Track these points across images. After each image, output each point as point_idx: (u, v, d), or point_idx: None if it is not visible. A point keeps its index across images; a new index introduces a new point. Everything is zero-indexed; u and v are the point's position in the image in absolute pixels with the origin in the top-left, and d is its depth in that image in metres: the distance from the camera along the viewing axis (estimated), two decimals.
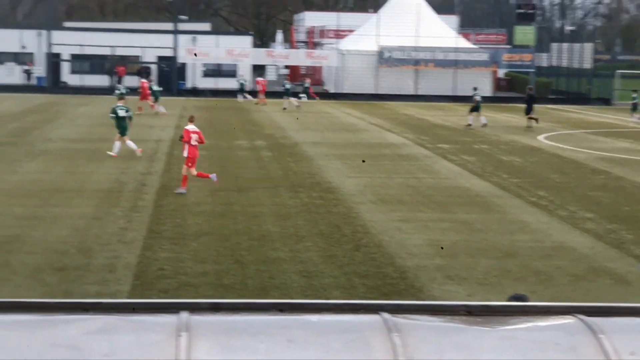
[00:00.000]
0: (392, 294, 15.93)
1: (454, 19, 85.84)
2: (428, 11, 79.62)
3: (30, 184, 26.67)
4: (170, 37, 74.81)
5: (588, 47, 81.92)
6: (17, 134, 39.62)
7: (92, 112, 53.40)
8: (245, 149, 36.99)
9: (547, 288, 16.70)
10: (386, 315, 5.57)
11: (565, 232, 21.88)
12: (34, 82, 74.80)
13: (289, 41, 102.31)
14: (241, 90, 67.36)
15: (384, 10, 79.21)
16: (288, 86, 61.66)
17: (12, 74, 74.81)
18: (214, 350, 5.13)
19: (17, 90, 69.76)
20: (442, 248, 22.37)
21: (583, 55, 79.68)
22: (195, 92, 73.61)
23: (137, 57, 77.58)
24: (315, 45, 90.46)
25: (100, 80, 75.74)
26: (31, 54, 77.99)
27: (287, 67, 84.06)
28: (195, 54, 74.35)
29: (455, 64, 74.60)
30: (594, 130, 50.26)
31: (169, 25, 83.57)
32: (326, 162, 33.39)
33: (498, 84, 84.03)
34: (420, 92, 74.28)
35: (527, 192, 27.56)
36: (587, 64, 79.56)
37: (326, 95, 74.96)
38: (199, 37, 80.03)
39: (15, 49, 77.05)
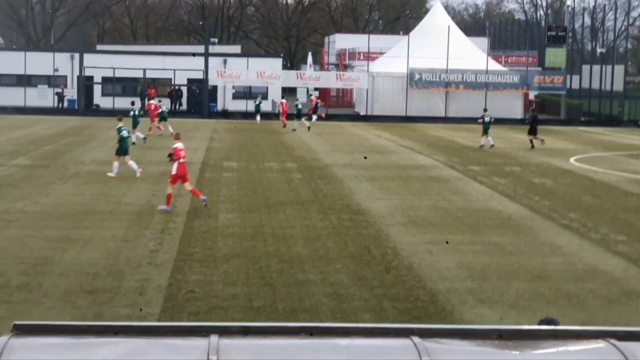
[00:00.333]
0: (423, 317, 15.87)
1: (484, 41, 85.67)
2: (458, 33, 79.61)
3: (63, 206, 26.81)
4: (200, 59, 75.14)
5: (619, 69, 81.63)
6: (50, 157, 39.85)
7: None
8: (276, 170, 37.04)
9: (579, 311, 16.57)
10: (417, 339, 5.56)
11: (597, 254, 21.73)
12: (66, 105, 75.28)
13: (320, 63, 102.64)
14: (257, 111, 67.58)
15: (415, 32, 79.29)
16: (300, 107, 61.76)
17: (45, 96, 75.37)
18: None
19: (49, 113, 70.30)
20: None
21: (614, 77, 79.35)
22: (226, 114, 73.84)
23: (169, 79, 77.98)
24: (345, 67, 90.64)
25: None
26: (64, 77, 78.59)
27: (317, 89, 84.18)
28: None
29: (486, 86, 74.46)
30: (625, 153, 49.97)
31: (199, 48, 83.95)
32: (356, 183, 33.36)
33: (529, 106, 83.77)
34: (450, 114, 74.18)
35: (559, 214, 27.42)
36: (619, 86, 79.23)
37: (356, 117, 75.05)
38: (230, 59, 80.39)
39: (48, 72, 77.66)
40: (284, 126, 62.11)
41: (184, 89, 78.61)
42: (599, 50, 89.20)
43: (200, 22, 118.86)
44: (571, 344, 5.74)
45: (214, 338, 5.46)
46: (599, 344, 5.71)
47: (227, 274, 18.66)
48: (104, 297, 16.66)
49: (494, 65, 77.56)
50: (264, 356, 5.45)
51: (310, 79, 77.76)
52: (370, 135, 57.99)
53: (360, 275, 18.80)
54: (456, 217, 26.39)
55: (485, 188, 33.18)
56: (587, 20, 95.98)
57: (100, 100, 76.92)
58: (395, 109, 74.05)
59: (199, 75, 74.84)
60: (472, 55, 76.34)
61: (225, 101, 78.40)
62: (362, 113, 76.39)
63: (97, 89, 77.92)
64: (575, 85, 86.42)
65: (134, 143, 46.13)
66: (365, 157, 40.33)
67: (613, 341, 5.66)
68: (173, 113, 74.71)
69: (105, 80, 77.24)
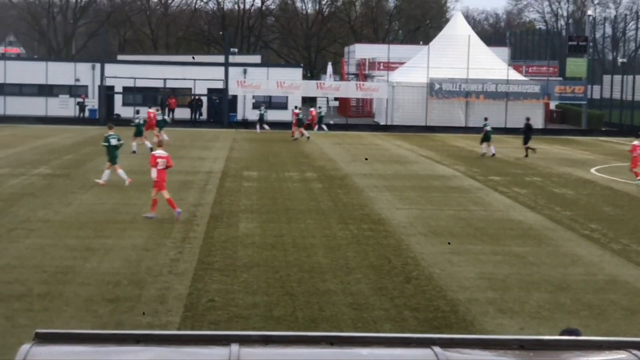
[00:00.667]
0: (444, 327, 15.84)
1: (505, 51, 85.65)
2: (479, 43, 79.48)
3: (84, 215, 26.90)
4: (221, 69, 75.32)
5: None
6: (71, 166, 40.03)
7: (144, 144, 53.77)
8: (296, 180, 37.05)
9: (600, 322, 16.51)
10: (438, 349, 5.55)
11: (618, 265, 21.64)
12: (87, 114, 75.56)
13: (339, 73, 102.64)
14: (260, 120, 67.75)
15: (435, 42, 79.23)
16: (301, 116, 61.81)
17: (66, 106, 75.68)
18: None
19: (70, 123, 70.61)
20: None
21: (635, 87, 79.05)
22: (246, 124, 73.97)
23: (189, 89, 78.19)
24: (365, 77, 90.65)
25: None
26: (85, 86, 78.93)
27: (337, 99, 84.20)
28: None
29: (506, 96, 74.31)
30: None
31: (220, 58, 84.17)
32: (376, 193, 33.34)
33: (550, 116, 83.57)
34: (470, 124, 73.99)
35: (580, 225, 27.32)
36: None
37: (376, 127, 75.05)
38: (250, 69, 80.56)
39: (70, 81, 78.01)
40: (294, 135, 62.37)
41: (204, 99, 78.79)
42: (620, 60, 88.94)
43: (221, 32, 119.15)
44: (593, 355, 5.72)
45: (234, 347, 5.47)
46: (621, 355, 5.69)
47: (247, 283, 18.67)
48: (125, 306, 16.70)
49: (514, 75, 77.40)
50: None
51: (330, 88, 77.82)
52: (390, 145, 57.96)
53: (380, 285, 18.78)
54: (477, 228, 26.34)
55: (506, 198, 33.10)
56: (608, 30, 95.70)
57: (121, 110, 77.17)
58: (415, 119, 74.00)
59: (219, 85, 75.00)
60: (492, 65, 76.21)
61: (245, 111, 78.50)
62: (382, 123, 76.36)
63: (118, 99, 78.21)
64: (596, 95, 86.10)
65: (134, 152, 46.40)
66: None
67: (635, 352, 5.64)
68: (193, 123, 75.03)
69: (126, 89, 77.52)
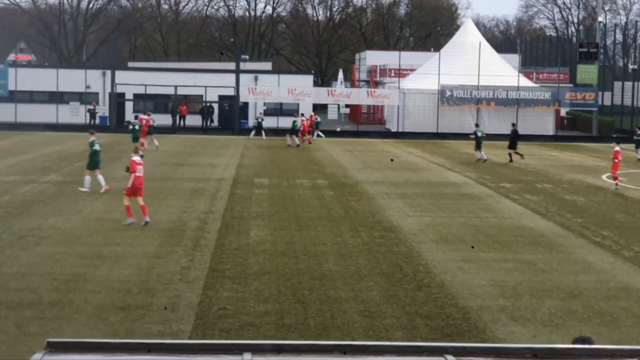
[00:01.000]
0: (455, 335, 15.81)
1: (515, 58, 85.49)
2: (489, 50, 79.47)
3: (94, 222, 26.92)
4: (232, 76, 75.39)
5: None
6: (82, 173, 39.88)
7: (155, 151, 53.91)
8: (307, 187, 37.05)
9: (612, 330, 16.45)
10: (451, 357, 5.53)
11: (630, 272, 21.58)
12: (98, 121, 75.68)
13: (350, 80, 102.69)
14: (258, 127, 67.91)
15: (445, 49, 79.21)
16: (296, 123, 61.91)
17: (77, 113, 75.80)
18: None
19: (81, 130, 70.63)
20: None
21: None
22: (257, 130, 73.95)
23: (200, 96, 78.28)
24: (376, 84, 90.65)
25: (163, 119, 76.47)
26: (96, 93, 79.07)
27: (347, 106, 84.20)
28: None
29: (517, 102, 74.23)
30: None
31: (231, 65, 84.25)
32: (387, 200, 33.32)
33: (561, 122, 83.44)
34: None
35: (591, 232, 27.26)
36: None
37: (387, 134, 75.03)
38: (261, 76, 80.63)
39: (80, 88, 78.14)
40: (301, 142, 62.61)
41: (215, 106, 78.88)
42: (631, 66, 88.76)
43: (232, 39, 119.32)
44: None
45: (247, 356, 5.46)
46: None
47: (258, 290, 18.66)
48: (136, 314, 16.70)
49: (525, 82, 77.32)
50: None
51: (341, 95, 77.84)
52: (401, 152, 57.93)
53: (392, 292, 18.76)
54: (488, 235, 26.29)
55: (517, 205, 33.04)
56: (619, 37, 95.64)
57: (131, 117, 77.17)
58: (426, 126, 73.96)
59: (231, 92, 75.08)
60: (503, 72, 76.16)
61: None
62: (393, 130, 76.34)
63: (129, 106, 78.29)
64: (607, 102, 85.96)
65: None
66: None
67: None
68: (204, 130, 75.11)
69: (137, 97, 77.63)
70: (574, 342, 8.47)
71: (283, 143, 62.58)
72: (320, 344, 5.71)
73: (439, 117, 73.76)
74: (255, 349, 5.58)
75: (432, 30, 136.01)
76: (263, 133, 67.62)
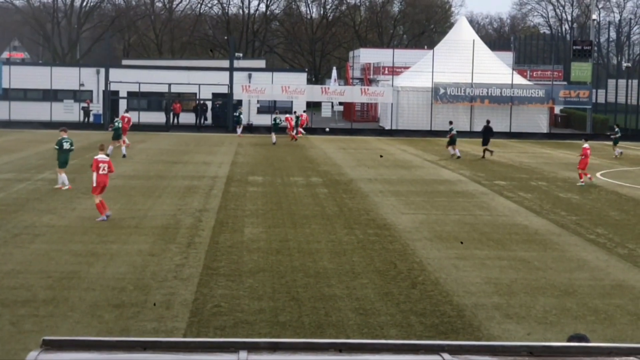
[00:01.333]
0: (450, 332, 15.81)
1: (509, 55, 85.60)
2: (483, 48, 79.50)
3: (89, 220, 26.89)
4: (225, 74, 75.36)
5: None
6: (76, 171, 39.96)
7: (148, 149, 53.91)
8: (301, 185, 37.04)
9: (606, 327, 16.47)
10: (447, 356, 5.52)
11: (624, 270, 21.60)
12: (92, 119, 75.60)
13: (344, 78, 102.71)
14: (238, 122, 67.99)
15: (439, 47, 79.25)
16: (278, 121, 62.02)
17: (70, 111, 75.64)
18: None
19: (75, 128, 70.51)
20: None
21: None
22: (251, 128, 74.01)
23: (194, 94, 78.25)
24: (370, 81, 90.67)
25: (157, 117, 76.48)
26: (90, 91, 79.00)
27: (341, 103, 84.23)
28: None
29: (511, 100, 74.28)
30: None
31: (224, 63, 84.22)
32: (381, 198, 33.32)
33: (555, 120, 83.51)
34: (475, 129, 73.95)
35: (586, 229, 27.29)
36: None
37: (381, 132, 75.08)
38: (254, 74, 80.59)
39: (74, 86, 78.07)
40: (294, 140, 62.84)
41: (209, 104, 78.84)
42: (624, 64, 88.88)
43: (225, 37, 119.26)
44: None
45: (242, 354, 5.44)
46: None
47: (253, 288, 18.65)
48: (130, 312, 16.68)
49: (519, 80, 77.41)
50: None
51: (334, 93, 77.80)
52: (395, 150, 57.96)
53: (386, 290, 18.76)
54: (482, 232, 26.31)
55: (512, 203, 33.06)
56: (613, 34, 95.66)
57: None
58: (420, 124, 74.02)
59: (224, 89, 75.06)
60: (497, 69, 76.22)
61: (250, 115, 78.56)
62: (387, 127, 76.39)
63: (123, 104, 78.18)
64: (601, 99, 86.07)
65: (124, 156, 46.52)
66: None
67: None
68: (198, 127, 75.07)
69: (131, 94, 77.57)
70: (569, 340, 8.48)
71: (277, 141, 62.59)
72: (316, 342, 5.70)
73: (433, 114, 73.81)
74: (251, 347, 5.57)
75: (426, 27, 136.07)
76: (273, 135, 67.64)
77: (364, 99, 79.94)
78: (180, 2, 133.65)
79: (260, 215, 28.76)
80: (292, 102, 77.41)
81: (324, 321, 16.32)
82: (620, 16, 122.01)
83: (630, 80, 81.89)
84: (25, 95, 78.78)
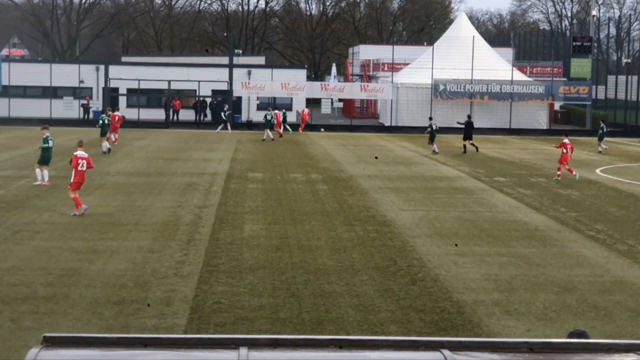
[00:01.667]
0: (450, 329, 15.82)
1: (509, 52, 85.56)
2: (483, 44, 79.47)
3: (89, 217, 26.89)
4: (225, 70, 75.35)
5: None
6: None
7: (148, 146, 53.91)
8: (301, 182, 37.05)
9: (606, 323, 16.48)
10: (447, 352, 5.53)
11: (624, 266, 21.61)
12: (91, 116, 75.59)
13: (344, 74, 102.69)
14: (224, 121, 68.07)
15: (439, 43, 79.23)
16: (269, 117, 62.03)
17: (70, 108, 75.62)
18: None
19: (75, 125, 70.64)
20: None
21: None
22: (250, 125, 74.02)
23: (193, 91, 78.26)
24: (370, 78, 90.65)
25: (157, 114, 76.51)
26: (89, 88, 78.99)
27: (341, 100, 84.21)
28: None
29: (511, 96, 74.29)
30: None
31: (224, 59, 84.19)
32: (381, 195, 33.33)
33: (555, 116, 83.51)
34: (475, 125, 73.84)
35: (585, 226, 27.30)
36: None
37: (381, 129, 75.07)
38: (254, 70, 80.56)
39: (74, 83, 78.06)
40: (280, 136, 63.16)
41: (208, 100, 78.86)
42: (624, 60, 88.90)
43: (225, 34, 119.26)
44: (602, 358, 5.70)
45: (243, 350, 5.45)
46: (630, 358, 5.67)
47: (253, 285, 18.66)
48: (131, 308, 16.69)
49: (519, 76, 77.38)
50: None
51: (334, 90, 77.76)
52: (395, 146, 57.97)
53: (386, 286, 18.77)
54: (482, 229, 26.32)
55: (511, 199, 33.07)
56: (613, 31, 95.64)
57: (125, 111, 77.06)
58: (420, 120, 73.96)
59: (224, 86, 75.06)
60: (496, 65, 76.17)
61: (250, 112, 78.56)
62: (387, 124, 76.38)
63: (123, 101, 78.22)
64: (601, 95, 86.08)
65: (104, 152, 46.57)
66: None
67: None
68: (198, 124, 75.09)
69: (130, 91, 77.58)
70: (569, 336, 8.49)
71: (276, 138, 62.63)
72: (316, 338, 5.71)
73: (432, 111, 73.77)
74: (252, 344, 5.58)
75: (426, 24, 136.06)
76: (219, 127, 67.80)
77: (364, 96, 79.94)
78: None
79: (260, 212, 28.77)
80: (291, 98, 77.41)
81: (324, 318, 16.33)
82: (620, 12, 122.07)
83: (630, 76, 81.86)
84: (24, 92, 78.76)
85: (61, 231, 24.56)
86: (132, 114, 74.92)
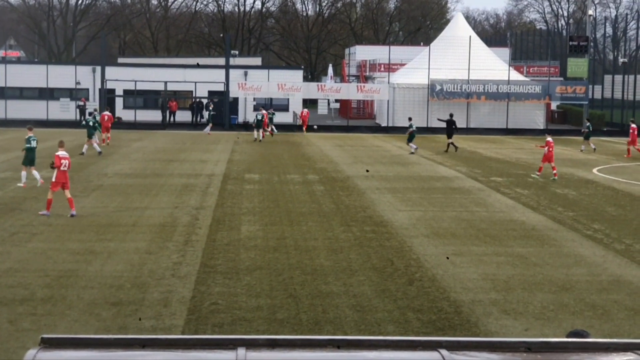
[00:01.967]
0: (447, 328, 15.82)
1: (506, 52, 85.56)
2: (479, 44, 79.46)
3: (86, 219, 26.89)
4: (221, 71, 75.34)
5: None
6: (73, 170, 39.76)
7: (145, 147, 53.89)
8: (297, 182, 37.04)
9: (604, 322, 16.49)
10: (445, 352, 5.53)
11: (621, 265, 21.62)
12: (86, 117, 75.50)
13: (340, 75, 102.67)
14: (208, 121, 68.12)
15: (435, 43, 79.23)
16: (260, 117, 61.99)
17: (67, 109, 75.58)
18: None
19: (71, 126, 70.55)
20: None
21: (637, 87, 79.03)
22: (247, 126, 73.99)
23: (190, 92, 78.26)
24: (366, 78, 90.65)
25: (153, 115, 76.49)
26: (86, 89, 78.95)
27: (337, 100, 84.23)
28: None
29: (508, 96, 74.30)
30: None
31: (220, 60, 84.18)
32: (378, 195, 33.33)
33: (551, 116, 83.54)
34: (472, 125, 74.03)
35: (583, 225, 27.31)
36: None
37: (377, 129, 75.07)
38: (251, 71, 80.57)
39: (70, 85, 78.02)
40: (271, 135, 63.42)
41: (204, 102, 78.87)
42: (621, 60, 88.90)
43: (221, 35, 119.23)
44: (600, 357, 5.70)
45: (241, 351, 5.45)
46: (628, 357, 5.67)
47: (250, 285, 18.66)
48: (128, 309, 16.68)
49: (515, 76, 77.40)
50: None
51: (331, 90, 77.76)
52: (392, 147, 57.99)
53: (383, 287, 18.77)
54: (479, 229, 26.33)
55: (508, 199, 33.08)
56: (609, 30, 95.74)
57: (122, 113, 77.17)
58: (416, 120, 73.88)
59: (221, 87, 75.06)
60: (493, 65, 76.18)
61: (246, 113, 78.57)
62: (383, 124, 76.37)
63: (119, 102, 78.19)
64: (598, 95, 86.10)
65: (82, 153, 46.48)
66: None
67: None
68: (194, 125, 75.06)
69: (127, 93, 77.55)
70: (568, 336, 8.49)
71: (274, 138, 62.64)
72: (314, 338, 5.71)
73: (429, 111, 73.80)
74: (250, 344, 5.58)
75: (422, 24, 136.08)
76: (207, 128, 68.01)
77: (360, 96, 79.94)
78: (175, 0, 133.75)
79: (257, 212, 28.76)
80: (288, 99, 77.42)
81: (322, 318, 16.33)
82: (617, 12, 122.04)
83: (626, 76, 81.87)
84: (21, 93, 78.76)
85: (59, 233, 24.56)
86: (128, 115, 74.95)
